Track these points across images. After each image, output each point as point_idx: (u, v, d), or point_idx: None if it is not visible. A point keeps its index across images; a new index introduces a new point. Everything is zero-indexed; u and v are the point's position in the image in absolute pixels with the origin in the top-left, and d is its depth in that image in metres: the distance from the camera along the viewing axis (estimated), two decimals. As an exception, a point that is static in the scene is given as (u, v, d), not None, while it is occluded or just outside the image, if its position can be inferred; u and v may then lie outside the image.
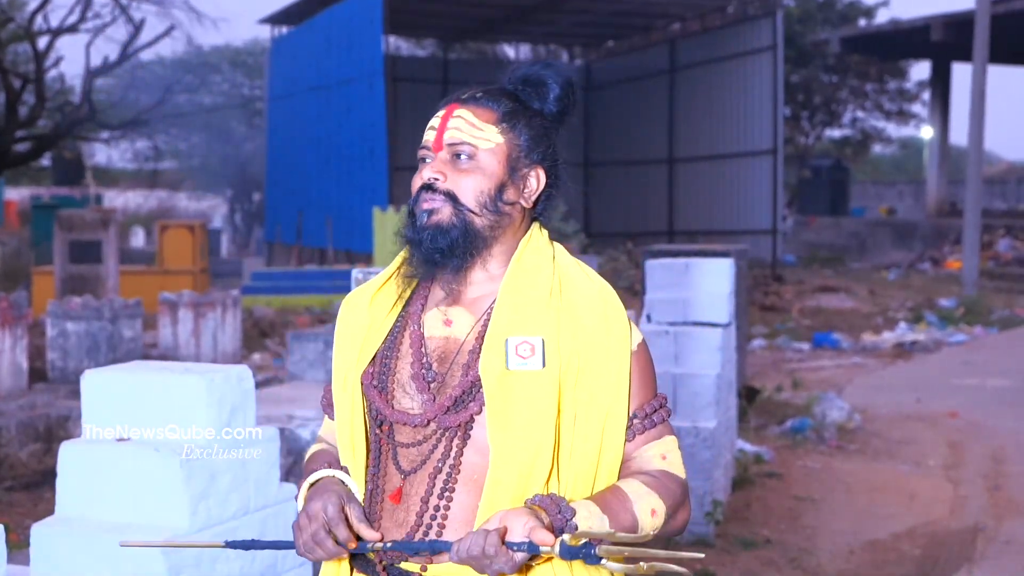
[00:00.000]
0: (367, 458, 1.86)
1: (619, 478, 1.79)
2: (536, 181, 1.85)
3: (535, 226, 1.87)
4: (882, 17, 34.79)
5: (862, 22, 33.90)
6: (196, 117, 33.68)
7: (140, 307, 9.83)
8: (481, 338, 1.79)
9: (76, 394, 7.85)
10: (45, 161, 31.67)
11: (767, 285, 19.47)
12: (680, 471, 1.83)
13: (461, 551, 1.65)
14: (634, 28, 26.49)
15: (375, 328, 1.86)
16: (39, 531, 2.89)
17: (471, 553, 1.64)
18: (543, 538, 1.63)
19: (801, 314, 16.34)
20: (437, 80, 27.06)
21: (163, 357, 10.17)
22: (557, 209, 1.94)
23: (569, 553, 1.63)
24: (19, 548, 4.66)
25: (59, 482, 2.94)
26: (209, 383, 2.89)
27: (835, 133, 37.66)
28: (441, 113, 1.85)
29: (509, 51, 31.98)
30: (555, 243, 1.88)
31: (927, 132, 32.21)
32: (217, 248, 25.15)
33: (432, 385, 1.80)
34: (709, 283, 6.56)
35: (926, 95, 32.99)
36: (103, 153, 38.39)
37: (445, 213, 1.79)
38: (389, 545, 1.74)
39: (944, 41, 24.99)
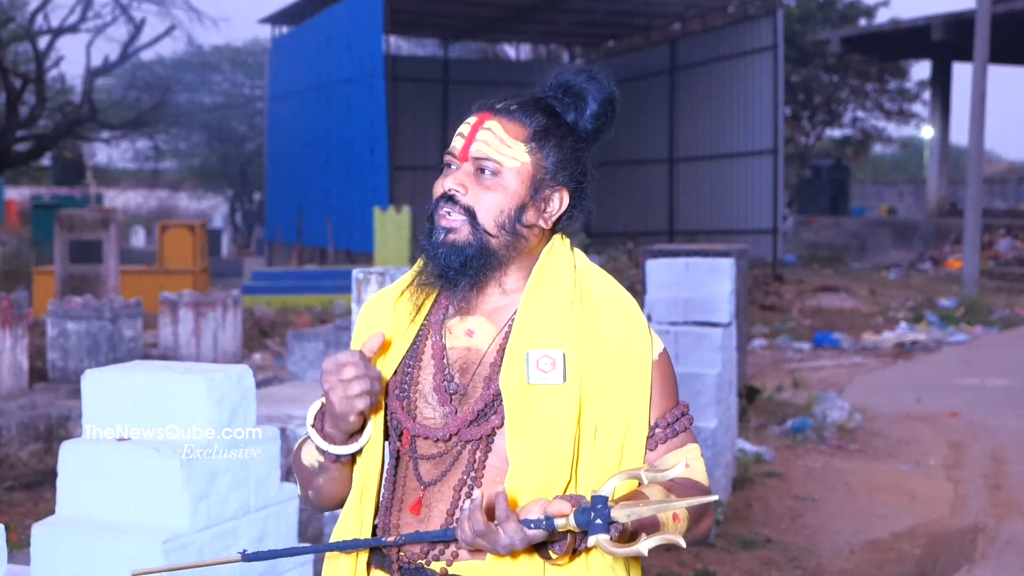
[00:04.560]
0: (382, 467, 1.84)
1: (640, 487, 1.76)
2: (559, 203, 1.82)
3: (556, 236, 1.85)
4: (882, 17, 34.80)
5: (862, 22, 33.87)
6: (196, 117, 33.69)
7: (140, 307, 9.83)
8: (502, 350, 1.78)
9: (76, 394, 7.86)
10: (45, 161, 31.68)
11: (767, 285, 19.48)
12: (703, 479, 1.80)
13: (475, 521, 1.60)
14: (634, 28, 26.49)
15: (398, 336, 1.85)
16: (39, 531, 2.89)
17: (476, 526, 1.60)
18: (558, 508, 1.60)
19: (801, 314, 16.35)
20: (437, 80, 27.06)
21: (163, 357, 10.16)
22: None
23: (583, 517, 1.59)
24: (19, 548, 4.66)
25: (59, 482, 2.94)
26: (209, 383, 2.90)
27: (835, 133, 37.63)
28: (472, 120, 1.82)
29: (509, 51, 31.98)
30: (576, 250, 1.86)
31: (927, 132, 32.21)
32: (217, 248, 25.16)
33: (454, 397, 1.79)
34: (709, 283, 6.56)
35: (926, 95, 32.97)
36: (103, 153, 38.42)
37: (462, 233, 1.77)
38: (402, 539, 1.73)
39: (944, 41, 24.98)
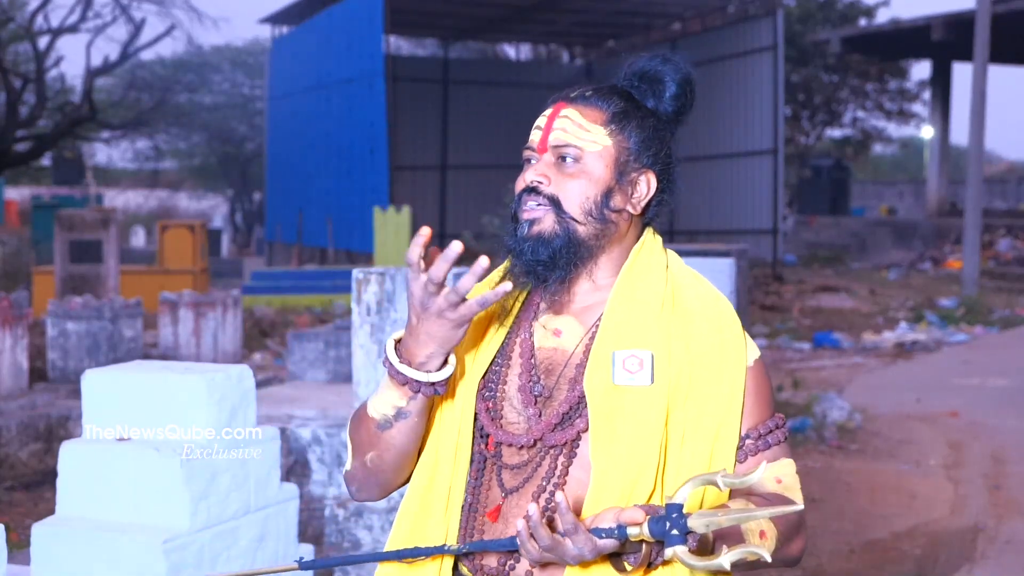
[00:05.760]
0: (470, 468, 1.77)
1: (728, 499, 1.68)
2: (646, 186, 1.75)
3: (648, 232, 1.78)
4: (882, 17, 34.83)
5: (862, 22, 33.88)
6: (196, 117, 33.68)
7: (140, 307, 9.83)
8: (589, 350, 1.70)
9: (76, 394, 7.86)
10: (45, 161, 31.66)
11: (768, 285, 19.49)
12: (797, 496, 1.71)
13: (540, 537, 1.54)
14: (634, 28, 26.48)
15: (489, 335, 1.78)
16: (39, 531, 2.89)
17: (542, 542, 1.54)
18: (632, 516, 1.54)
19: (801, 314, 16.35)
20: (437, 80, 27.06)
21: (163, 357, 10.16)
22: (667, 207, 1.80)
23: (658, 526, 1.52)
24: (19, 548, 4.67)
25: (59, 482, 2.94)
26: (209, 383, 2.90)
27: (835, 133, 37.62)
28: (548, 112, 1.76)
29: (509, 51, 31.98)
30: (668, 250, 1.80)
31: (927, 132, 32.21)
32: (217, 248, 25.16)
33: (539, 399, 1.72)
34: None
35: (927, 95, 32.98)
36: (103, 153, 38.40)
37: (547, 223, 1.70)
38: (466, 547, 1.66)
39: (945, 41, 24.97)
